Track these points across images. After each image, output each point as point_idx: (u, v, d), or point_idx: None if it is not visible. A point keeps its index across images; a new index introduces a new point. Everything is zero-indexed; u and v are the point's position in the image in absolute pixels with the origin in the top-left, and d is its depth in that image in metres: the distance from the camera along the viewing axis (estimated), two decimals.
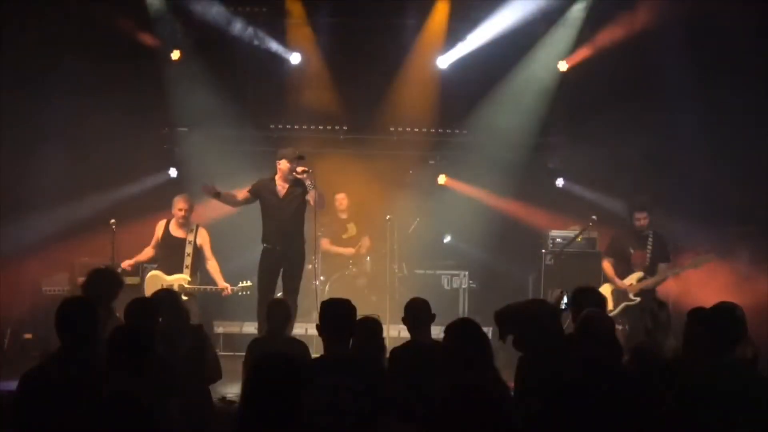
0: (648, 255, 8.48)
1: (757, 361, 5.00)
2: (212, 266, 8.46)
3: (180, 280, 8.29)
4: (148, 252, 8.58)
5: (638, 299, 8.30)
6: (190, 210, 8.51)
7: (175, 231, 8.46)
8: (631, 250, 8.55)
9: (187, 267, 8.29)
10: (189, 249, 8.31)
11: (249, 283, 8.39)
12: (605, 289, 8.62)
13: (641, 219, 8.48)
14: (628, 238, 8.62)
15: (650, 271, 8.51)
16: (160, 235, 8.48)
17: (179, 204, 8.45)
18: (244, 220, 10.57)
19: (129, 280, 8.16)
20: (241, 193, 8.29)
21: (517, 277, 10.84)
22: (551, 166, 11.28)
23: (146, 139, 10.46)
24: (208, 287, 8.40)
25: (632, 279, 8.54)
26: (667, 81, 10.08)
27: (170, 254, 8.37)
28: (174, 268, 8.38)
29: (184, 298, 8.05)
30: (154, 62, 10.51)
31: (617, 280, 8.58)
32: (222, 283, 8.34)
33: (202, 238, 8.47)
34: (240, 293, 8.49)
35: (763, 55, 9.57)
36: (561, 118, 10.99)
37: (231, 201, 8.28)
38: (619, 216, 9.46)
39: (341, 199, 10.57)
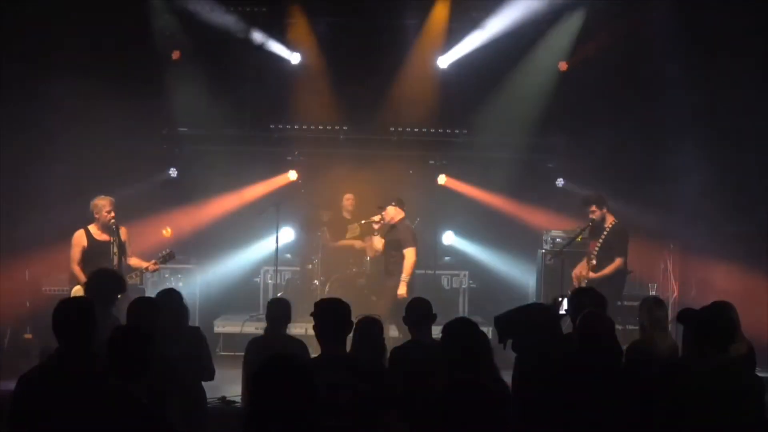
0: (597, 245, 8.51)
1: (753, 356, 5.00)
2: (135, 259, 8.16)
3: None
4: (78, 270, 7.88)
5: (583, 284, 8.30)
6: (114, 210, 8.03)
7: (100, 236, 7.99)
8: (590, 240, 8.68)
9: (115, 267, 7.78)
10: (114, 249, 7.90)
11: (169, 250, 8.31)
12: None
13: (589, 213, 8.61)
14: (587, 229, 8.75)
15: (598, 262, 8.48)
16: (84, 244, 7.94)
17: (107, 206, 7.97)
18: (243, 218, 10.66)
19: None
20: None
21: (517, 277, 10.85)
22: (551, 166, 11.28)
23: (146, 139, 10.46)
24: (133, 274, 8.05)
25: (581, 268, 8.70)
26: (666, 81, 10.09)
27: (97, 261, 7.69)
28: None
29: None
30: (154, 62, 10.52)
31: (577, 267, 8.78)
32: (149, 264, 8.10)
33: (125, 236, 8.09)
34: (166, 262, 8.33)
35: (762, 55, 9.57)
36: (561, 118, 10.99)
37: None
38: (618, 215, 9.44)
39: (350, 199, 10.55)
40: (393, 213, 8.74)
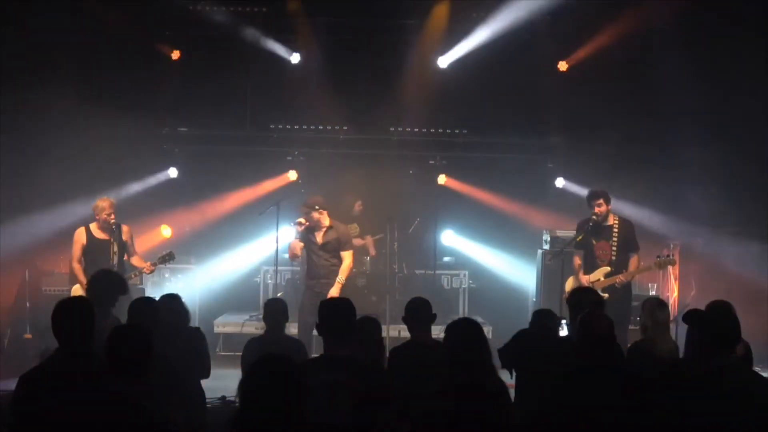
0: (613, 246, 8.03)
1: (750, 356, 5.00)
2: (136, 259, 8.22)
3: None
4: (78, 267, 8.03)
5: (606, 295, 7.57)
6: (115, 211, 8.12)
7: (99, 234, 8.08)
8: (594, 241, 8.10)
9: (113, 266, 7.86)
10: (115, 248, 7.99)
11: (168, 251, 8.37)
12: (569, 284, 8.24)
13: (596, 206, 8.04)
14: (591, 228, 8.12)
15: (617, 264, 7.97)
16: (84, 241, 8.06)
17: (107, 209, 8.04)
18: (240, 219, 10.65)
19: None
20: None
21: (517, 277, 10.85)
22: (551, 166, 11.28)
23: (146, 139, 10.46)
24: (132, 273, 8.13)
25: (599, 274, 8.01)
26: (666, 81, 10.09)
27: (95, 259, 7.90)
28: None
29: None
30: (154, 62, 10.52)
31: (581, 275, 8.12)
32: (146, 266, 8.13)
33: (127, 235, 8.17)
34: (165, 263, 8.39)
35: (762, 54, 9.57)
36: (561, 118, 11.00)
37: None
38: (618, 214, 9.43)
39: (357, 206, 10.48)
40: (318, 217, 8.19)
